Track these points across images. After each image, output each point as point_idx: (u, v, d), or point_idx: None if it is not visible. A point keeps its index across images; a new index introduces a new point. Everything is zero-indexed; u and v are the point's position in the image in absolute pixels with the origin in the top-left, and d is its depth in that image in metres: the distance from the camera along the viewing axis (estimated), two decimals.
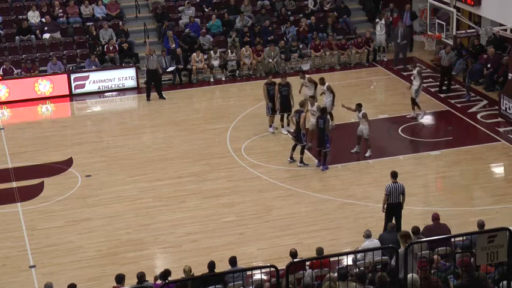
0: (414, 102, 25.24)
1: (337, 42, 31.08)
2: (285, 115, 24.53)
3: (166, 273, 15.43)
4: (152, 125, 26.21)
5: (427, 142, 24.35)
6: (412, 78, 25.55)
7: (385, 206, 18.11)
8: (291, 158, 22.70)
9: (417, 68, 25.49)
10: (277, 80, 24.72)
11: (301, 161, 22.55)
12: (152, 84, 27.98)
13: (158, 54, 28.74)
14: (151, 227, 19.66)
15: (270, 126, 24.72)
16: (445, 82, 27.82)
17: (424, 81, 26.53)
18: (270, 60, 30.01)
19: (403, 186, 18.12)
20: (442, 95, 27.43)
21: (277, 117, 24.72)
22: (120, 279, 15.15)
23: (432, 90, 27.67)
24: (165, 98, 28.06)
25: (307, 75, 25.52)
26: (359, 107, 22.72)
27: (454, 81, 28.20)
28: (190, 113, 26.95)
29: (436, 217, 16.96)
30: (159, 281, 15.35)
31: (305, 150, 22.57)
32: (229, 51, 30.13)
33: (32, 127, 26.36)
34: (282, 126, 24.80)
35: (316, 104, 23.16)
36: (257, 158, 23.12)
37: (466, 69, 27.55)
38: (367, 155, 22.85)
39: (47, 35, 30.43)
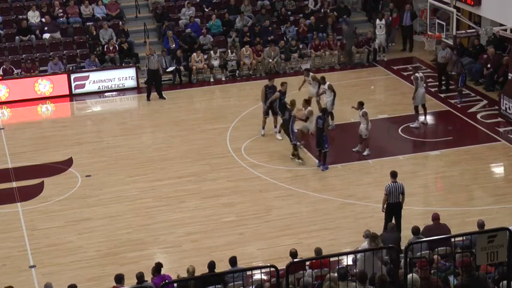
0: (417, 110, 24.82)
1: (337, 42, 31.08)
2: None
3: (158, 267, 15.45)
4: (152, 125, 26.20)
5: (427, 142, 24.35)
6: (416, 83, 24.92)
7: (385, 205, 18.14)
8: (293, 155, 22.75)
9: (419, 74, 24.89)
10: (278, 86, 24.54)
11: (298, 157, 22.58)
12: (152, 84, 27.98)
13: (158, 54, 28.73)
14: (151, 227, 19.66)
15: (263, 127, 24.61)
16: (443, 82, 27.75)
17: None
18: (270, 60, 29.99)
19: (403, 186, 18.13)
20: (442, 95, 27.41)
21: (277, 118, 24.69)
22: (119, 279, 15.15)
23: (432, 90, 27.63)
24: (165, 98, 28.04)
25: (311, 73, 25.52)
26: (360, 105, 22.73)
27: (454, 81, 28.13)
28: (190, 113, 26.94)
29: (436, 217, 16.97)
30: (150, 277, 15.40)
31: (299, 148, 22.68)
32: (229, 51, 30.11)
33: (32, 127, 26.34)
34: (280, 131, 24.55)
35: (308, 108, 23.05)
36: (257, 158, 23.12)
37: (458, 72, 27.15)
38: (365, 154, 22.85)
39: (47, 35, 30.42)
